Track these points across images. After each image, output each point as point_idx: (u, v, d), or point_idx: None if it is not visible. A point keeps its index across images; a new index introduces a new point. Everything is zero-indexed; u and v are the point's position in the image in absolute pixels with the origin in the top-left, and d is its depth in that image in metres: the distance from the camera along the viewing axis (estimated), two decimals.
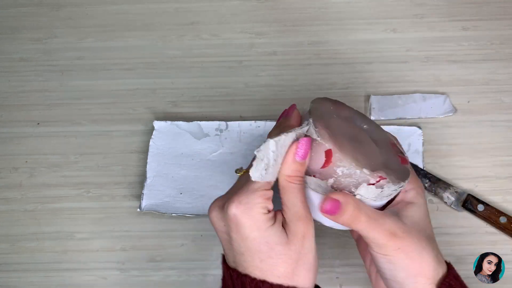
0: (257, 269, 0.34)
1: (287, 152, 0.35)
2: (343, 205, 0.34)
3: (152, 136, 0.53)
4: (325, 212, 0.35)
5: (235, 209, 0.33)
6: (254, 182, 0.34)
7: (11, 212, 0.53)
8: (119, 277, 0.50)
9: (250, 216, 0.33)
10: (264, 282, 0.34)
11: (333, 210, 0.35)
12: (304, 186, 0.36)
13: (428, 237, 0.37)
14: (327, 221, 0.37)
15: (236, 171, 0.38)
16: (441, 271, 0.36)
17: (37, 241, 0.52)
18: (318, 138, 0.35)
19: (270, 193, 0.35)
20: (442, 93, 0.55)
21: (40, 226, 0.52)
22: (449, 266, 0.37)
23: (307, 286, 0.35)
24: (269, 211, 0.34)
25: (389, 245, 0.35)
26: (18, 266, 0.51)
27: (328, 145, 0.35)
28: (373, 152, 0.37)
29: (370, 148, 0.37)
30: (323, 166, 0.35)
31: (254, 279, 0.34)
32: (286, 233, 0.35)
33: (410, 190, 0.39)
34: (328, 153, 0.35)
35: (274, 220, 0.35)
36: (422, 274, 0.35)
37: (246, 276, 0.34)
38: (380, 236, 0.35)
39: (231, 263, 0.36)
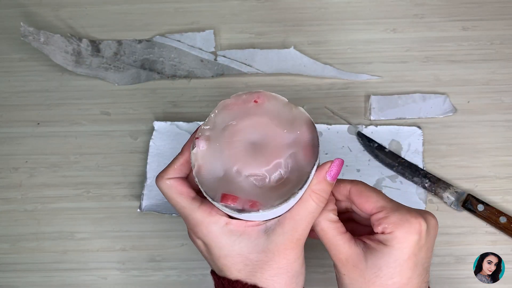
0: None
1: (318, 169, 0.35)
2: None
3: (152, 137, 0.53)
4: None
5: None
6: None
7: (11, 212, 0.53)
8: (119, 277, 0.50)
9: None
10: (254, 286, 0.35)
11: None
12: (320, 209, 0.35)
13: None
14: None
15: None
16: None
17: (37, 241, 0.52)
18: None
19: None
20: (442, 93, 0.55)
21: (40, 226, 0.52)
22: None
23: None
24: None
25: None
26: (18, 266, 0.51)
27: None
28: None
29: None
30: None
31: (246, 283, 0.35)
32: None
33: (386, 222, 0.34)
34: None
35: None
36: None
37: (237, 282, 0.35)
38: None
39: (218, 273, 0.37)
